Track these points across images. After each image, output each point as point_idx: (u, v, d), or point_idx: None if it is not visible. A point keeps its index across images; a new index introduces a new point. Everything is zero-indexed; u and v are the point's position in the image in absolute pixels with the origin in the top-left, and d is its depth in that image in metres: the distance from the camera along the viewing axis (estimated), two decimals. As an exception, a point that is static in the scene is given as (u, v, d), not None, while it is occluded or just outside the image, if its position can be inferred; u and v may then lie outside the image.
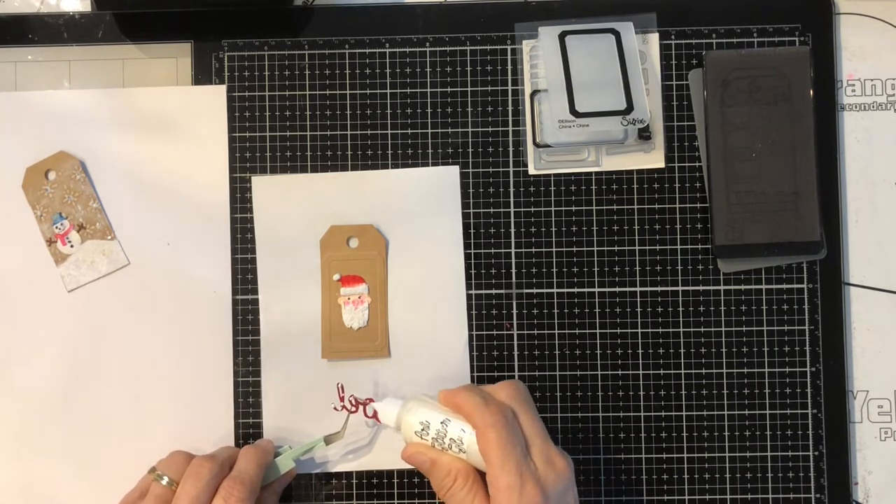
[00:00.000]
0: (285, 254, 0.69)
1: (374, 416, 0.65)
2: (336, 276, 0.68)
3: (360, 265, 0.68)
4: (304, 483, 0.68)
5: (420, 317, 0.68)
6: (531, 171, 0.69)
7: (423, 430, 0.60)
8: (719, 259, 0.68)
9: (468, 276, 0.69)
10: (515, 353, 0.69)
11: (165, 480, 0.62)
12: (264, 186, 0.69)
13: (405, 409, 0.61)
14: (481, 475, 0.59)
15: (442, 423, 0.60)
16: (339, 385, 0.67)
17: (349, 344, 0.68)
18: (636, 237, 0.69)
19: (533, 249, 0.69)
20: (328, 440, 0.66)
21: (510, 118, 0.70)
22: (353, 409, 0.66)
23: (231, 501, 0.60)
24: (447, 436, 0.59)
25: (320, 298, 0.68)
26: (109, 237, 0.69)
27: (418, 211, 0.69)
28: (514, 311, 0.69)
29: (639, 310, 0.69)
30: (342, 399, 0.66)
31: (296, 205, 0.69)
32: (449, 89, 0.70)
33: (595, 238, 0.69)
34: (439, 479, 0.59)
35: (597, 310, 0.69)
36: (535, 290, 0.69)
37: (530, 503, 0.55)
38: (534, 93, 0.69)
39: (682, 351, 0.68)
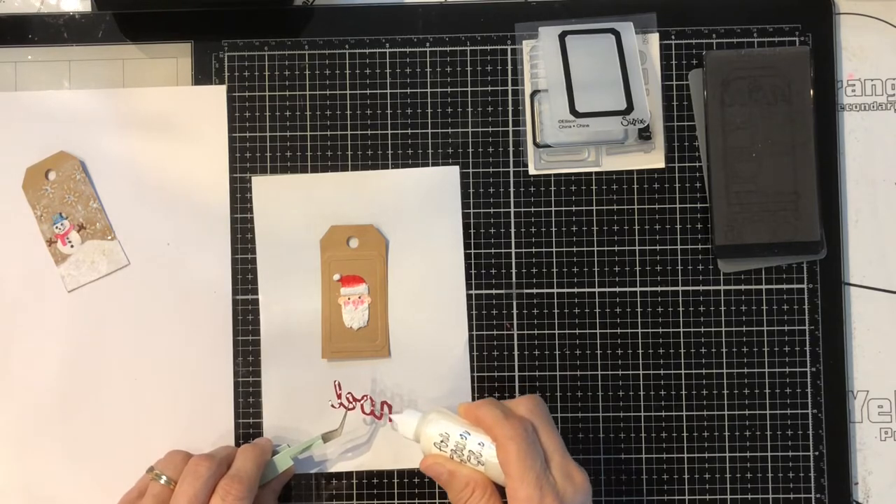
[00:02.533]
0: (285, 254, 0.69)
1: (372, 413, 0.66)
2: (336, 276, 0.68)
3: (361, 265, 0.68)
4: (304, 483, 0.68)
5: (420, 317, 0.68)
6: (531, 171, 0.69)
7: (441, 441, 0.60)
8: (719, 259, 0.68)
9: (468, 276, 0.69)
10: (515, 353, 0.69)
11: (164, 480, 0.62)
12: (264, 186, 0.69)
13: (425, 420, 0.61)
14: (499, 489, 0.59)
15: (461, 435, 0.60)
16: (336, 382, 0.67)
17: (349, 344, 0.68)
18: (636, 237, 0.69)
19: (533, 249, 0.69)
20: (326, 438, 0.66)
21: (510, 118, 0.70)
22: (350, 406, 0.66)
23: (229, 500, 0.60)
24: (466, 448, 0.59)
25: (320, 298, 0.68)
26: (109, 237, 0.69)
27: (418, 211, 0.69)
28: (514, 311, 0.69)
29: (639, 310, 0.69)
30: (339, 396, 0.66)
31: (296, 205, 0.69)
32: (449, 89, 0.70)
33: (595, 238, 0.69)
34: (457, 491, 0.59)
35: (597, 310, 0.69)
36: (535, 290, 0.69)
37: None
38: (534, 93, 0.69)
39: (682, 351, 0.68)
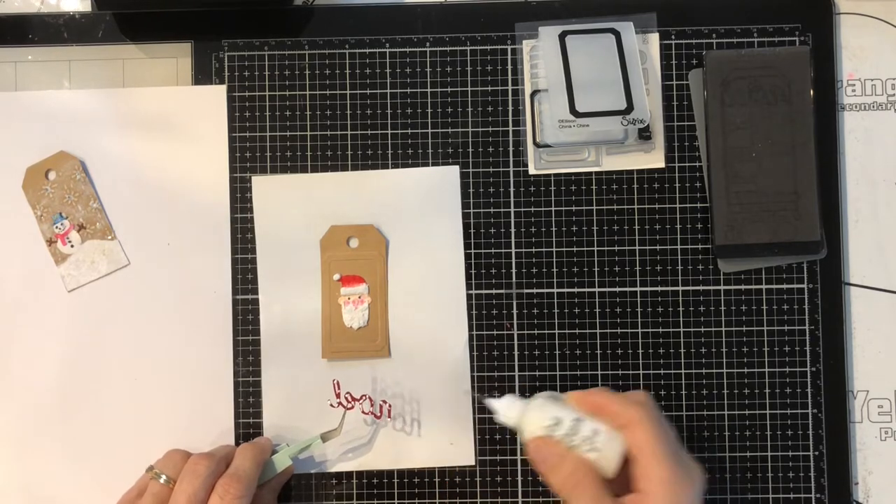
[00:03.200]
0: (285, 254, 0.69)
1: (371, 412, 0.66)
2: (336, 276, 0.68)
3: (361, 265, 0.68)
4: (304, 483, 0.68)
5: (420, 317, 0.68)
6: (531, 171, 0.69)
7: (553, 425, 0.59)
8: (719, 259, 0.68)
9: (468, 276, 0.69)
10: (515, 353, 0.69)
11: (163, 479, 0.62)
12: (264, 186, 0.69)
13: (532, 404, 0.60)
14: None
15: (574, 420, 0.59)
16: (335, 381, 0.67)
17: (349, 344, 0.68)
18: (636, 237, 0.69)
19: (533, 249, 0.69)
20: (325, 438, 0.66)
21: (510, 118, 0.70)
22: (349, 405, 0.66)
23: (227, 499, 0.60)
24: (579, 433, 0.59)
25: (320, 298, 0.68)
26: (109, 237, 0.69)
27: (418, 211, 0.69)
28: (514, 311, 0.69)
29: (639, 310, 0.69)
30: (338, 396, 0.66)
31: (296, 205, 0.69)
32: (449, 89, 0.70)
33: (595, 238, 0.69)
34: (567, 474, 0.58)
35: (597, 310, 0.69)
36: (535, 290, 0.69)
37: (686, 496, 0.55)
38: (534, 93, 0.69)
39: (682, 351, 0.68)
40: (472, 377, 0.68)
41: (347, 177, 0.69)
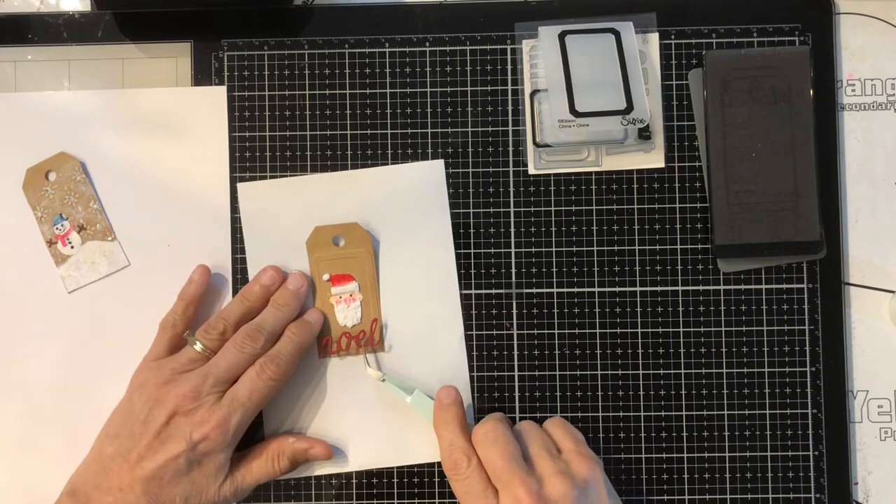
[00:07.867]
0: (275, 258, 0.68)
1: (368, 342, 0.67)
2: (326, 277, 0.68)
3: (349, 263, 0.68)
4: (304, 483, 0.68)
5: (414, 312, 0.68)
6: (531, 170, 0.69)
7: None
8: (719, 259, 0.68)
9: (468, 276, 0.69)
10: (515, 353, 0.69)
11: (198, 347, 0.64)
12: (251, 192, 0.69)
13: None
14: None
15: None
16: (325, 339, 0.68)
17: (344, 341, 0.68)
18: (636, 237, 0.69)
19: (533, 249, 0.69)
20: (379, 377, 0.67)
21: (510, 118, 0.70)
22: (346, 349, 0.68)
23: (263, 377, 0.63)
24: None
25: (312, 299, 0.68)
26: (110, 238, 0.69)
27: (406, 207, 0.69)
28: (514, 311, 0.69)
29: (639, 310, 0.69)
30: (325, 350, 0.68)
31: (283, 208, 0.69)
32: (449, 89, 0.70)
33: (595, 238, 0.69)
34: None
35: (597, 310, 0.69)
36: (535, 290, 0.69)
37: None
38: (534, 92, 0.69)
39: (682, 351, 0.68)
40: (472, 377, 0.68)
41: (333, 177, 0.69)
